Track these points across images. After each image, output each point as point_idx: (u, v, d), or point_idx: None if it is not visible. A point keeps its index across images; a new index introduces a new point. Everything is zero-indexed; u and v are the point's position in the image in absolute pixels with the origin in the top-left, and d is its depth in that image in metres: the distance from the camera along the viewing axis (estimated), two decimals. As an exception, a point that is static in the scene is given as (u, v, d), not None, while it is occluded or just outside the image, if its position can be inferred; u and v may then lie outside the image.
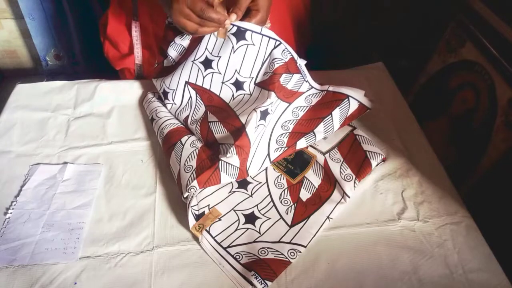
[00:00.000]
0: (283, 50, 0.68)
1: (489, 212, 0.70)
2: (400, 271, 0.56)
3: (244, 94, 0.70)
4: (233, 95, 0.71)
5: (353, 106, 0.69)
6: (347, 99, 0.69)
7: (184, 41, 0.72)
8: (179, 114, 0.73)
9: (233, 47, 0.68)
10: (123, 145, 0.72)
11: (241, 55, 0.68)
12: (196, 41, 0.71)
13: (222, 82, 0.71)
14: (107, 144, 0.72)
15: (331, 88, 0.71)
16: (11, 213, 0.60)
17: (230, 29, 0.66)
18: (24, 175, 0.66)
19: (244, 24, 0.66)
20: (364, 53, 1.35)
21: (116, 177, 0.66)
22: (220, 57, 0.69)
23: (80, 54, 1.48)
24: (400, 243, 0.59)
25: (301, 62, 0.70)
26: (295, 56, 0.69)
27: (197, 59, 0.70)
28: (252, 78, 0.70)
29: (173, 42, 0.72)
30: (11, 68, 1.61)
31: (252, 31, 0.66)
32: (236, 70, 0.70)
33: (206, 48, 0.70)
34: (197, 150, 0.65)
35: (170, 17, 0.62)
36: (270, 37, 0.67)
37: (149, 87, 0.81)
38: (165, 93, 0.74)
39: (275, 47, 0.68)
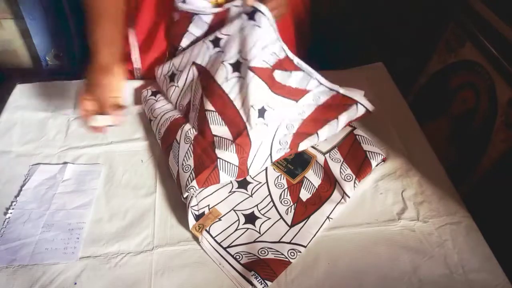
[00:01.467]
0: (281, 47, 0.68)
1: (489, 212, 0.70)
2: (400, 271, 0.56)
3: (238, 77, 0.68)
4: (226, 77, 0.68)
5: (360, 112, 0.69)
6: (355, 105, 0.69)
7: (196, 31, 0.73)
8: (181, 100, 0.73)
9: (241, 25, 0.67)
10: (123, 145, 0.72)
11: (246, 36, 0.67)
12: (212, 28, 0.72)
13: (222, 62, 0.69)
14: (107, 144, 0.72)
15: (341, 91, 0.70)
16: (11, 213, 0.60)
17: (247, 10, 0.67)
18: (24, 175, 0.66)
19: (260, 7, 0.66)
20: (364, 53, 1.35)
21: (116, 177, 0.66)
22: (228, 35, 0.69)
23: (80, 54, 1.48)
24: (400, 243, 0.59)
25: (300, 61, 0.70)
26: (290, 55, 0.69)
27: (208, 37, 0.71)
28: (249, 60, 0.67)
29: (187, 32, 0.73)
30: (11, 68, 1.60)
31: (262, 13, 0.66)
32: (239, 50, 0.68)
33: (219, 29, 0.70)
34: (191, 146, 0.65)
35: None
36: (274, 30, 0.67)
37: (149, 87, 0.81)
38: (173, 75, 0.74)
39: (276, 40, 0.68)
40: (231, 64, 0.68)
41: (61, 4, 1.33)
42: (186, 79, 0.73)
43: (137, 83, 0.83)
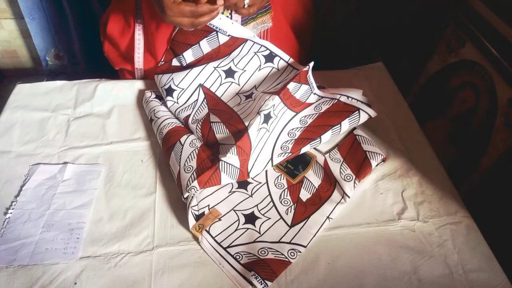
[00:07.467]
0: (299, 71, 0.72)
1: (489, 212, 0.71)
2: (400, 271, 0.56)
3: (251, 101, 0.71)
4: (239, 103, 0.72)
5: (363, 119, 0.70)
6: (357, 112, 0.69)
7: (205, 47, 0.75)
8: (179, 113, 0.73)
9: (260, 65, 0.76)
10: (123, 145, 0.72)
11: (264, 75, 0.76)
12: (218, 52, 0.76)
13: (237, 93, 0.74)
14: (107, 144, 0.72)
15: (342, 99, 0.72)
16: (11, 213, 0.60)
17: (263, 51, 0.75)
18: (24, 175, 0.66)
19: (276, 50, 0.76)
20: (364, 53, 1.35)
21: (116, 177, 0.66)
22: (245, 71, 0.75)
23: (80, 54, 1.48)
24: (400, 243, 0.59)
25: (311, 75, 0.72)
26: (310, 72, 0.72)
27: (221, 66, 0.74)
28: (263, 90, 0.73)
29: (197, 45, 0.75)
30: (11, 68, 1.61)
31: (281, 58, 0.76)
32: (255, 86, 0.75)
33: (232, 60, 0.75)
34: (196, 150, 0.65)
35: (164, 19, 0.62)
36: (294, 68, 0.75)
37: (149, 87, 0.81)
38: (170, 90, 0.74)
39: (293, 72, 0.74)
40: (245, 96, 0.73)
41: (61, 4, 1.33)
42: (189, 98, 0.74)
43: (140, 83, 0.83)
